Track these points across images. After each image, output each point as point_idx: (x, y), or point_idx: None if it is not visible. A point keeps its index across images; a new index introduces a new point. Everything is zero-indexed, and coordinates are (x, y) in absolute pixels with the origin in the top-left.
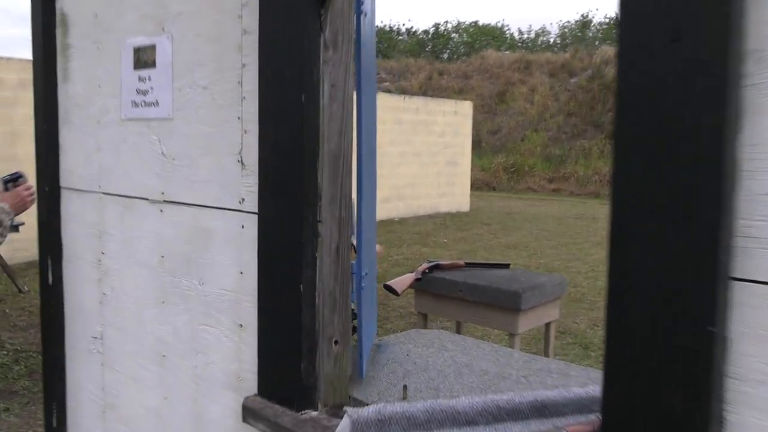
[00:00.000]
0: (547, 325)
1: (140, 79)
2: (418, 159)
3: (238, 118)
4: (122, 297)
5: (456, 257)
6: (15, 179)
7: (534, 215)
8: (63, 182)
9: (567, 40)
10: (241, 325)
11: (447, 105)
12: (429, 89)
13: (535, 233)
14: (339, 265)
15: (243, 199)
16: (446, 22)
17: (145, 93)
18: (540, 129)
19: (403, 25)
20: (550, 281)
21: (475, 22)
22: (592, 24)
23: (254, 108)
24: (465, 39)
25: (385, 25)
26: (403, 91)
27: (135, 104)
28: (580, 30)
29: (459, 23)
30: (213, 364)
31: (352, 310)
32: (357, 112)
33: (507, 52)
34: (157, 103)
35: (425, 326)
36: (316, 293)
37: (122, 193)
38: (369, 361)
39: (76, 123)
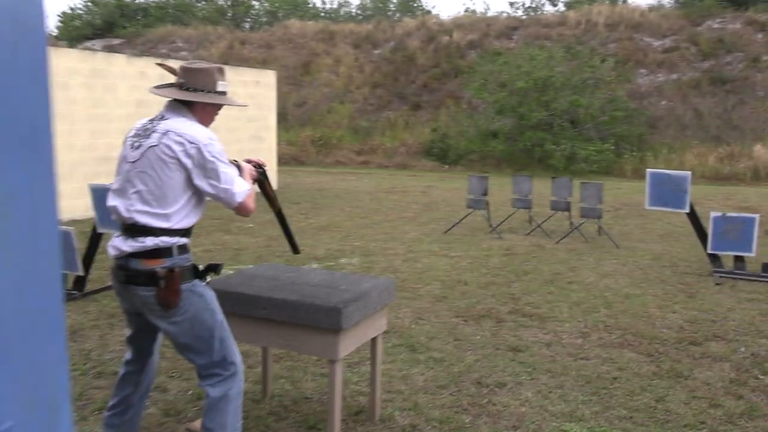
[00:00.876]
0: (374, 340)
1: None
2: (217, 135)
3: None
4: None
5: (264, 243)
6: None
7: (345, 191)
8: None
9: (368, 12)
10: None
11: (248, 74)
12: (230, 59)
13: (348, 211)
14: None
15: None
16: None
17: None
18: (346, 101)
19: None
20: (376, 287)
21: None
22: None
23: None
24: (267, 7)
25: None
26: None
27: None
28: (382, 2)
29: None
30: None
31: None
32: None
33: (310, 21)
34: None
35: None
36: None
37: None
38: None
39: None
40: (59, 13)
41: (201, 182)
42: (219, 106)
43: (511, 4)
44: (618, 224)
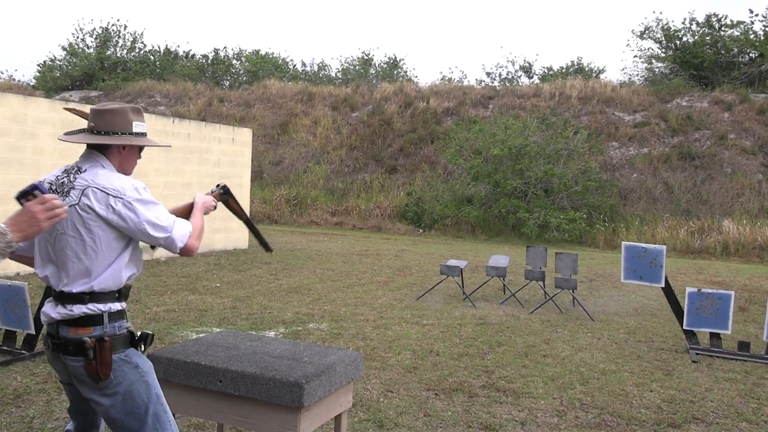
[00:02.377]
0: (338, 418)
1: None
2: (189, 191)
3: None
4: None
5: (230, 305)
6: (27, 193)
7: (317, 252)
8: None
9: (348, 76)
10: None
11: (223, 131)
12: (209, 116)
13: (319, 273)
14: None
15: None
16: (225, 47)
17: None
18: (323, 161)
19: (179, 46)
20: (342, 360)
21: (257, 51)
22: (373, 62)
23: None
24: (247, 67)
25: (161, 46)
26: (180, 117)
27: None
28: (362, 67)
29: (240, 50)
30: None
31: None
32: None
33: (290, 82)
34: None
35: None
36: None
37: None
38: None
39: None
40: (38, 63)
41: (138, 236)
42: (138, 149)
43: (488, 74)
44: (592, 296)
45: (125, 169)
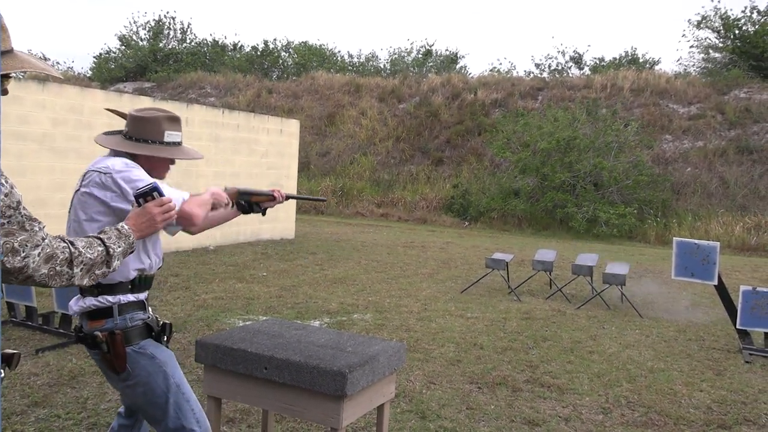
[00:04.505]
0: (380, 408)
1: None
2: (237, 181)
3: None
4: None
5: (276, 294)
6: (146, 194)
7: (363, 243)
8: None
9: (397, 67)
10: None
11: (272, 123)
12: (257, 107)
13: (364, 264)
14: None
15: None
16: (275, 39)
17: None
18: (369, 153)
19: (226, 38)
20: (385, 351)
21: (305, 42)
22: (432, 54)
23: None
24: (295, 59)
25: (209, 38)
26: (229, 108)
27: None
28: (424, 57)
29: (289, 42)
30: None
31: None
32: None
33: (337, 74)
34: None
35: (219, 414)
36: None
37: None
38: None
39: None
40: (94, 55)
41: (128, 207)
42: (168, 159)
43: (537, 65)
44: (641, 292)
45: (157, 176)
